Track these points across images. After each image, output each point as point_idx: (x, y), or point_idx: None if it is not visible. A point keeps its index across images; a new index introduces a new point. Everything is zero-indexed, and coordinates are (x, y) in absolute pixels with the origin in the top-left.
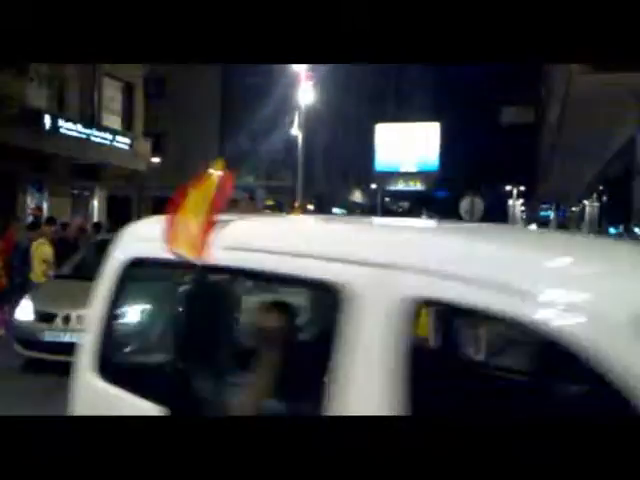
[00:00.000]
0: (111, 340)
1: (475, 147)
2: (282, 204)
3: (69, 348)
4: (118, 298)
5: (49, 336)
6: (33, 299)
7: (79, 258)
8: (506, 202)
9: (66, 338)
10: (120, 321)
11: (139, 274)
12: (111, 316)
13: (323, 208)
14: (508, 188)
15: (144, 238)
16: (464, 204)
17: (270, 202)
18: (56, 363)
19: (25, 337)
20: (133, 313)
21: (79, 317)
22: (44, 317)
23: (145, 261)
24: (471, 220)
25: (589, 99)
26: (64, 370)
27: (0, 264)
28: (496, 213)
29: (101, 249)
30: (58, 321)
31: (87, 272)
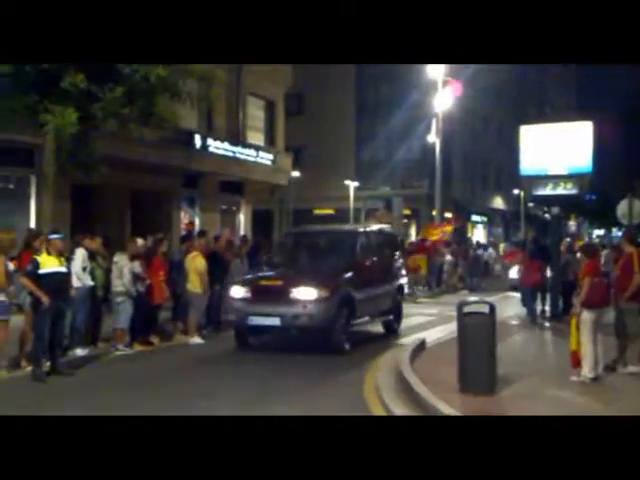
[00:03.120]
0: None
1: (629, 145)
2: (419, 212)
3: None
4: None
5: None
6: None
7: None
8: None
9: None
10: None
11: None
12: None
13: (462, 215)
14: None
15: None
16: (621, 206)
17: (406, 211)
18: None
19: None
20: None
21: None
22: None
23: None
24: (629, 223)
25: None
26: None
27: (163, 277)
28: None
29: None
30: None
31: None
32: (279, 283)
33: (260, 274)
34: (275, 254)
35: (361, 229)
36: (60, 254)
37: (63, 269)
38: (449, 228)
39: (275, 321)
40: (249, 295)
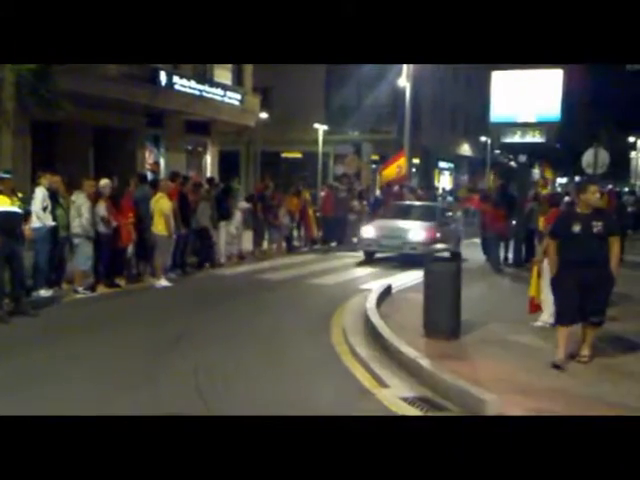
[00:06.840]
0: None
1: (597, 96)
2: (387, 158)
3: None
4: None
5: None
6: None
7: None
8: (628, 154)
9: None
10: None
11: None
12: None
13: (429, 162)
14: (632, 140)
15: None
16: (587, 156)
17: (375, 156)
18: None
19: None
20: None
21: None
22: None
23: None
24: (594, 172)
25: None
26: None
27: (132, 220)
28: (619, 166)
29: None
30: None
31: None
32: None
33: None
34: None
35: None
36: (13, 193)
37: (14, 209)
38: (402, 160)
39: None
40: None
